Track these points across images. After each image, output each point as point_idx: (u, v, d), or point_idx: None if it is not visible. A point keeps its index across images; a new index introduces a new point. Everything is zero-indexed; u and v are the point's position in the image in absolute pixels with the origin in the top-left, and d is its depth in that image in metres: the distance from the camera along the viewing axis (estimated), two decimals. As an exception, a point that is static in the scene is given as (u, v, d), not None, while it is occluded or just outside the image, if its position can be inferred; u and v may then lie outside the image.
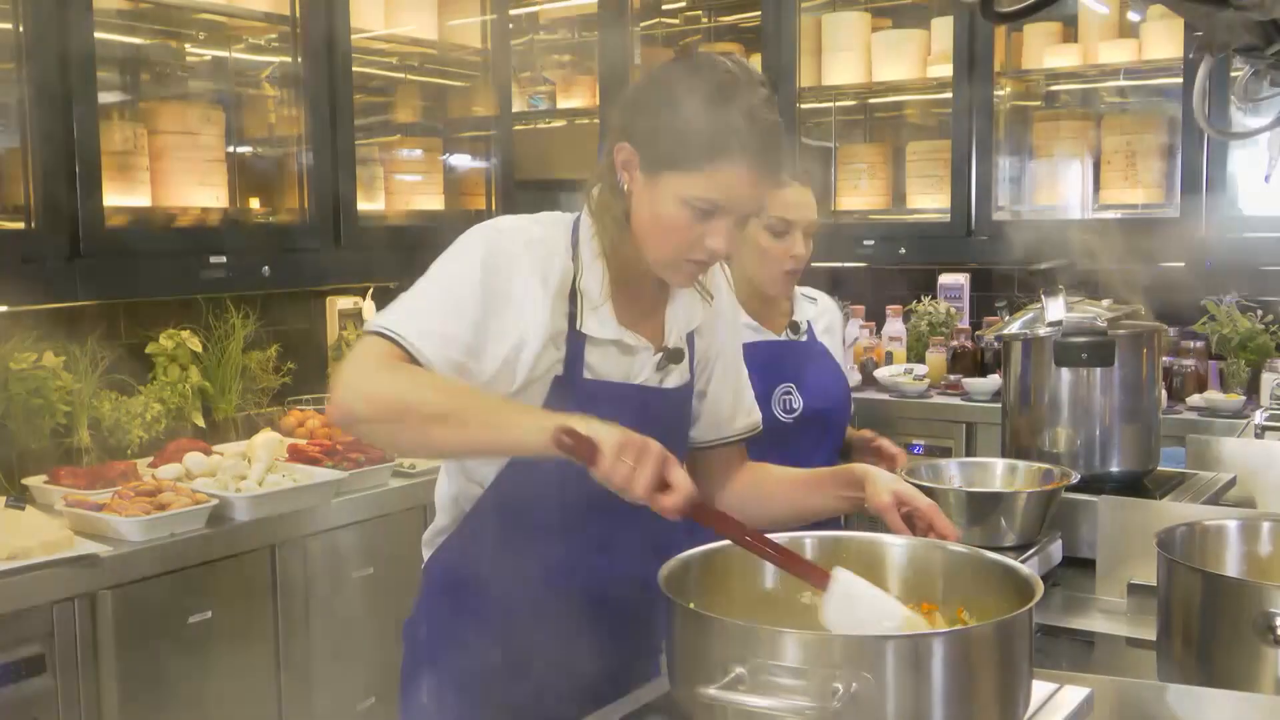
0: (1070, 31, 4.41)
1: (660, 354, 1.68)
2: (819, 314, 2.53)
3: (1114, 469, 2.35)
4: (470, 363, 1.52)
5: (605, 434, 1.35)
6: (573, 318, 1.60)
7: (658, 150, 1.55)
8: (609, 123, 1.66)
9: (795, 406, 2.38)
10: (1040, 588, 1.27)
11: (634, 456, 1.34)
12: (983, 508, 2.04)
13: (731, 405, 1.83)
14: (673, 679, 1.30)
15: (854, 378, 4.21)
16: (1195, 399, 3.87)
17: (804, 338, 2.45)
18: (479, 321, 1.53)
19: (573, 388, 1.59)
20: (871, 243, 4.54)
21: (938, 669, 1.16)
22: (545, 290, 1.57)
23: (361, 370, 1.48)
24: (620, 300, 1.65)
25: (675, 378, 1.71)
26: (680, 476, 1.37)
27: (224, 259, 2.96)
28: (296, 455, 2.93)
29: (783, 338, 2.41)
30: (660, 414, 1.67)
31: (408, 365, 1.47)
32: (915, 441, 4.06)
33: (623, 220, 1.62)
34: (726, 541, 1.42)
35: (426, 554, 1.74)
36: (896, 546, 1.49)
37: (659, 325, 1.70)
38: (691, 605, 1.26)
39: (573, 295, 1.61)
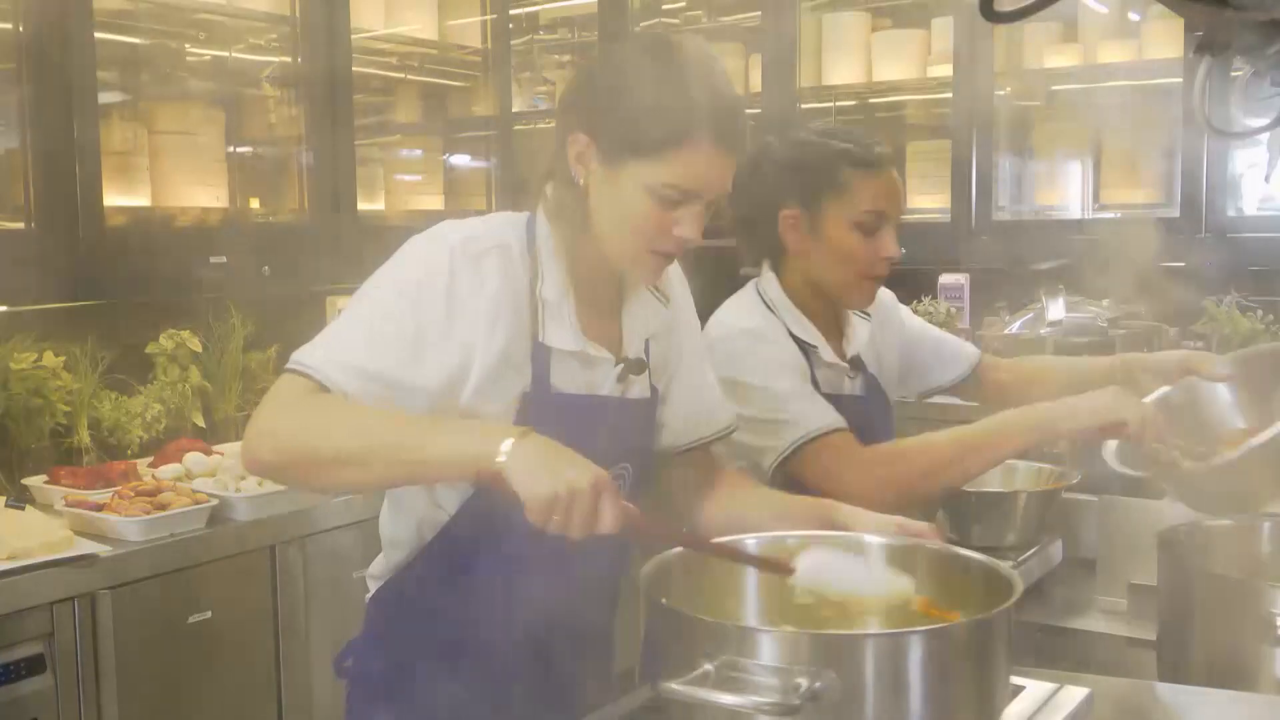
0: (1070, 31, 4.41)
1: (621, 365, 1.59)
2: (867, 329, 2.22)
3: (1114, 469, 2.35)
4: (398, 395, 1.42)
5: (530, 488, 1.26)
6: (535, 329, 1.51)
7: (616, 138, 1.47)
8: (561, 114, 1.56)
9: None
10: (1019, 586, 1.26)
11: (563, 514, 1.26)
12: (983, 508, 2.05)
13: (696, 410, 1.75)
14: (649, 677, 1.29)
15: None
16: (1195, 399, 3.87)
17: (857, 381, 2.14)
18: (411, 352, 1.43)
19: (542, 403, 1.51)
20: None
21: (902, 668, 1.15)
22: (496, 306, 1.47)
23: (270, 413, 1.40)
24: (578, 308, 1.55)
25: (637, 388, 1.63)
26: (610, 512, 1.29)
27: (224, 259, 2.95)
28: (296, 455, 2.93)
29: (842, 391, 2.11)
30: (624, 426, 1.60)
31: (320, 402, 1.39)
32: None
33: (580, 218, 1.52)
34: (712, 541, 1.42)
35: (374, 585, 1.64)
36: (877, 546, 1.47)
37: (616, 333, 1.62)
38: (664, 601, 1.25)
39: (532, 304, 1.51)
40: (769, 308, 2.03)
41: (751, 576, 1.44)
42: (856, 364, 2.10)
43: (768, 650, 1.14)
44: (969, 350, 2.33)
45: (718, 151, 1.46)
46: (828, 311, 2.07)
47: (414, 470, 1.38)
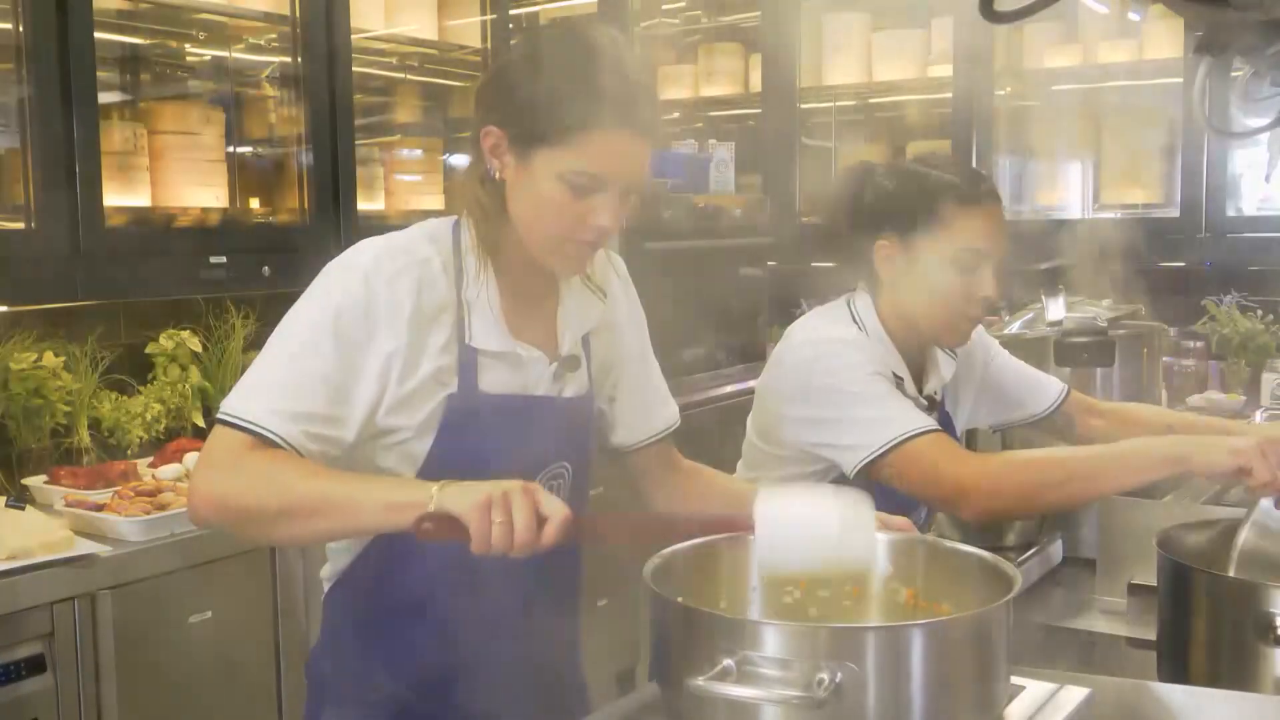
0: (1070, 31, 4.41)
1: (555, 363, 1.58)
2: (952, 368, 2.17)
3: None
4: (332, 431, 1.43)
5: (464, 502, 1.27)
6: (461, 331, 1.50)
7: (525, 126, 1.45)
8: (475, 108, 1.54)
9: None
10: (1018, 580, 1.28)
11: (502, 512, 1.27)
12: (983, 508, 2.04)
13: (645, 405, 1.74)
14: (660, 676, 1.30)
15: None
16: (1195, 399, 3.87)
17: (933, 416, 2.06)
18: (337, 385, 1.43)
19: (467, 404, 1.50)
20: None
21: (920, 658, 1.16)
22: (416, 318, 1.46)
23: (205, 471, 1.42)
24: (509, 308, 1.54)
25: (574, 386, 1.61)
26: (552, 504, 1.30)
27: (224, 259, 2.95)
28: (296, 455, 2.93)
29: None
30: (560, 425, 1.59)
31: (253, 457, 1.39)
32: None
33: (500, 212, 1.51)
34: (711, 537, 1.42)
35: (326, 586, 1.64)
36: (878, 541, 1.47)
37: (551, 332, 1.60)
38: (680, 600, 1.26)
39: (459, 306, 1.50)
40: (859, 325, 2.01)
41: (754, 570, 1.44)
42: (931, 403, 2.07)
43: (786, 644, 1.15)
44: (1054, 385, 2.25)
45: (628, 136, 1.45)
46: (915, 345, 2.03)
47: (350, 524, 1.40)
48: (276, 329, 1.49)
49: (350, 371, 1.44)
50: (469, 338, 1.50)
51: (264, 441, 1.40)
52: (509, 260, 1.54)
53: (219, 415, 1.43)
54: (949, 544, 1.46)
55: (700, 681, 1.14)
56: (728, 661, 1.15)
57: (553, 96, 1.43)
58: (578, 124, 1.42)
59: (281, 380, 1.43)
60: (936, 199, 1.92)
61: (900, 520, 1.54)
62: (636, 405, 1.73)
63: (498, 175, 1.50)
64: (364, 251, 1.50)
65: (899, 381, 1.98)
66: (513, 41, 4.05)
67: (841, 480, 1.91)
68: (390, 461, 1.51)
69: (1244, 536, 1.68)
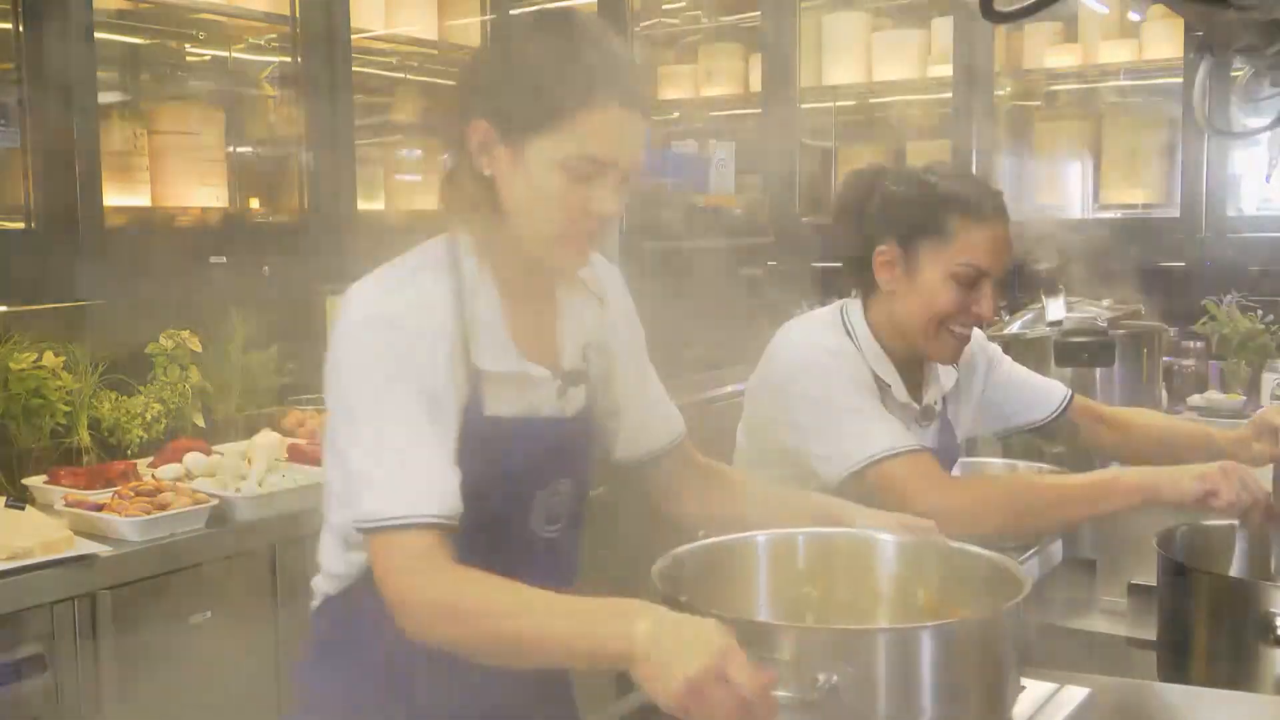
0: (1070, 31, 4.41)
1: (560, 380, 1.51)
2: (953, 378, 2.15)
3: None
4: (450, 473, 1.37)
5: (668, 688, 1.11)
6: (466, 353, 1.42)
7: (515, 115, 1.38)
8: (457, 106, 1.46)
9: None
10: (1028, 584, 1.27)
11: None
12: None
13: (648, 416, 1.67)
14: None
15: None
16: (1195, 399, 3.87)
17: (929, 429, 2.08)
18: (441, 429, 1.37)
19: (475, 431, 1.42)
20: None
21: (917, 662, 1.17)
22: (431, 354, 1.39)
23: (406, 578, 1.31)
24: (512, 323, 1.47)
25: (576, 402, 1.54)
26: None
27: (224, 259, 2.95)
28: (296, 455, 2.93)
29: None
30: (567, 447, 1.52)
31: (439, 586, 1.29)
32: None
33: (492, 214, 1.44)
34: (720, 538, 1.43)
35: (319, 599, 1.58)
36: (888, 544, 1.49)
37: (551, 345, 1.53)
38: (683, 599, 1.26)
39: (463, 328, 1.42)
40: (849, 334, 2.00)
41: (762, 571, 1.45)
42: (929, 412, 2.06)
43: (783, 645, 1.16)
44: (1058, 391, 2.23)
45: (624, 114, 1.38)
46: (909, 353, 2.01)
47: (547, 656, 1.28)
48: (340, 411, 1.41)
49: (442, 417, 1.38)
50: (476, 358, 1.43)
51: (439, 530, 1.32)
52: (507, 267, 1.48)
53: (384, 523, 1.33)
54: (959, 546, 1.45)
55: None
56: None
57: (542, 80, 1.36)
58: (572, 105, 1.36)
59: (392, 458, 1.35)
60: (941, 210, 1.90)
61: (924, 523, 1.53)
62: (637, 420, 1.67)
63: (488, 173, 1.43)
64: (372, 302, 1.43)
65: (886, 388, 1.97)
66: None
67: (822, 489, 1.89)
68: None
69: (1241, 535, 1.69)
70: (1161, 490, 1.73)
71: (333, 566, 1.54)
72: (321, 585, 1.58)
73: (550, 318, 1.54)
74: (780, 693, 1.12)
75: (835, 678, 1.12)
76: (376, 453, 1.36)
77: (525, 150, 1.38)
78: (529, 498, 1.50)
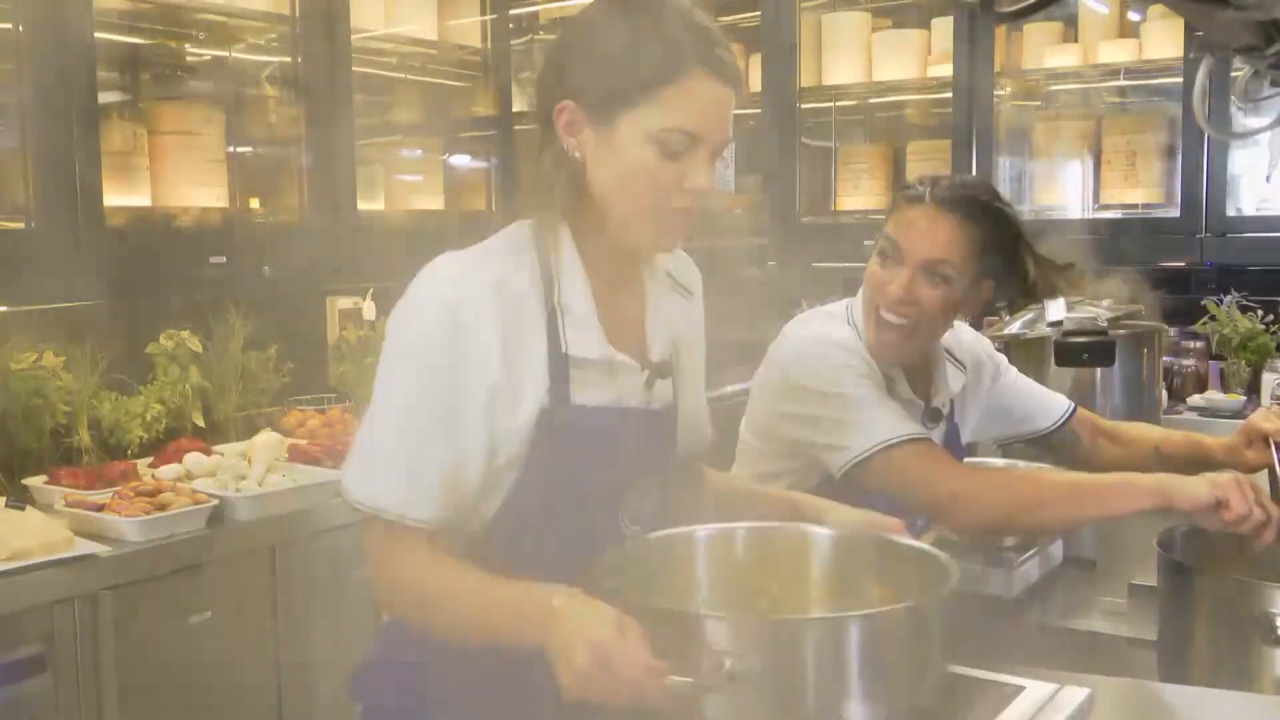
0: (1070, 31, 4.41)
1: (648, 371, 1.49)
2: (961, 381, 2.15)
3: (1114, 469, 2.35)
4: (465, 485, 1.40)
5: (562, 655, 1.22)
6: (554, 339, 1.41)
7: (604, 92, 1.36)
8: (541, 90, 1.44)
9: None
10: (955, 575, 1.31)
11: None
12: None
13: (693, 422, 1.65)
14: None
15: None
16: (1195, 399, 3.87)
17: (935, 430, 2.06)
18: (453, 442, 1.38)
19: (561, 420, 1.41)
20: (872, 243, 4.53)
21: (814, 652, 1.21)
22: (512, 351, 1.38)
23: (380, 582, 1.43)
24: (601, 310, 1.45)
25: (661, 396, 1.53)
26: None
27: (224, 259, 2.95)
28: (296, 455, 2.93)
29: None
30: (648, 439, 1.50)
31: (403, 559, 1.39)
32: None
33: (581, 197, 1.42)
34: (662, 532, 1.47)
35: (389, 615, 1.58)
36: (823, 536, 1.51)
37: (639, 336, 1.51)
38: (610, 587, 1.29)
39: (551, 314, 1.41)
40: (854, 329, 2.01)
41: (703, 565, 1.48)
42: (937, 414, 2.06)
43: (695, 633, 1.20)
44: (1060, 402, 2.25)
45: (716, 85, 1.36)
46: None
47: (486, 636, 1.36)
48: (378, 378, 1.43)
49: (459, 433, 1.38)
50: (565, 346, 1.41)
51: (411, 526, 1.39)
52: (596, 254, 1.45)
53: (364, 506, 1.41)
54: (892, 538, 1.48)
55: None
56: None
57: (629, 54, 1.34)
58: (663, 77, 1.34)
59: (399, 458, 1.40)
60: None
61: (891, 521, 1.54)
62: (688, 423, 1.64)
63: (577, 154, 1.40)
64: (443, 283, 1.41)
65: (890, 383, 1.98)
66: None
67: (828, 480, 1.91)
68: (487, 484, 1.45)
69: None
70: (1174, 496, 1.72)
71: None
72: None
73: (639, 308, 1.53)
74: (679, 678, 1.17)
75: (741, 666, 1.16)
76: (377, 437, 1.42)
77: (615, 126, 1.36)
78: (618, 493, 1.48)
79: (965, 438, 2.19)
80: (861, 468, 1.86)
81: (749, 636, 1.20)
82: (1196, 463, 2.12)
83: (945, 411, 2.09)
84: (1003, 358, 2.27)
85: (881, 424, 1.87)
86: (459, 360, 1.37)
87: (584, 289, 1.44)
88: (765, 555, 1.50)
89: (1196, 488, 1.70)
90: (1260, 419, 2.02)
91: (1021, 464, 2.32)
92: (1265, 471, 1.90)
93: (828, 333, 1.98)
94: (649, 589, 1.37)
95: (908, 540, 1.46)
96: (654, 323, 1.53)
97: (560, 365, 1.41)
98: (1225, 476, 1.70)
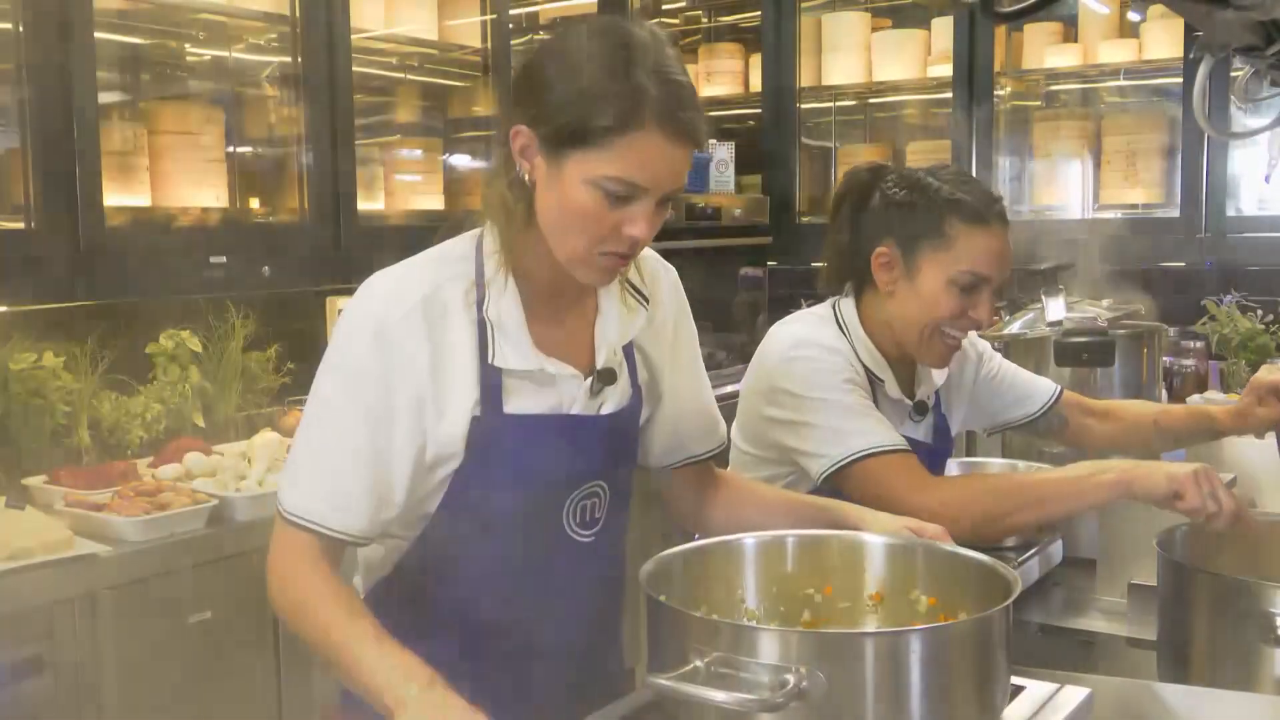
0: (1070, 31, 4.41)
1: (590, 379, 1.48)
2: (944, 373, 2.16)
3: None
4: (384, 510, 1.43)
5: None
6: (483, 351, 1.41)
7: (558, 127, 1.33)
8: (504, 107, 1.46)
9: None
10: (1017, 586, 1.27)
11: None
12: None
13: (690, 424, 1.65)
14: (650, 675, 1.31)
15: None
16: (1195, 399, 3.87)
17: (921, 424, 2.09)
18: (375, 465, 1.40)
19: (493, 427, 1.42)
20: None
21: (888, 667, 1.16)
22: (440, 363, 1.40)
23: (275, 576, 1.47)
24: (537, 322, 1.45)
25: (614, 401, 1.52)
26: None
27: (224, 259, 2.95)
28: (296, 455, 2.93)
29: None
30: (597, 444, 1.50)
31: (307, 572, 1.43)
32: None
33: (526, 219, 1.41)
34: (708, 540, 1.45)
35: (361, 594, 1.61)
36: (876, 545, 1.48)
37: (586, 345, 1.51)
38: (662, 599, 1.26)
39: (480, 325, 1.42)
40: (842, 330, 2.00)
41: (750, 574, 1.45)
42: (922, 408, 2.07)
43: (756, 647, 1.15)
44: (1046, 387, 2.26)
45: (668, 142, 1.33)
46: (901, 351, 2.01)
47: (349, 679, 1.40)
48: (312, 390, 1.45)
49: (384, 443, 1.40)
50: (492, 357, 1.42)
51: (323, 538, 1.43)
52: (538, 269, 1.45)
53: (287, 513, 1.43)
54: (947, 548, 1.45)
55: (661, 680, 1.15)
56: (698, 662, 1.16)
57: (588, 95, 1.31)
58: (616, 126, 1.31)
59: (327, 465, 1.42)
60: (945, 216, 1.89)
61: (934, 528, 1.53)
62: (678, 425, 1.64)
63: (527, 178, 1.39)
64: (373, 298, 1.44)
65: (879, 384, 1.98)
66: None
67: (819, 487, 1.90)
68: (421, 488, 1.46)
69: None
70: (1135, 486, 1.74)
71: (362, 552, 1.59)
72: (358, 582, 1.63)
73: (587, 318, 1.52)
74: (744, 695, 1.12)
75: (805, 682, 1.11)
76: (306, 447, 1.45)
77: (563, 163, 1.35)
78: (560, 498, 1.49)
79: (955, 428, 2.19)
80: (838, 476, 1.85)
81: (816, 651, 1.14)
82: (1199, 433, 2.13)
83: (930, 404, 2.09)
84: (985, 345, 2.27)
85: (859, 434, 1.86)
86: (387, 372, 1.39)
87: (513, 301, 1.44)
88: (815, 564, 1.46)
89: (1154, 479, 1.71)
90: (1265, 373, 2.03)
91: (1022, 464, 2.32)
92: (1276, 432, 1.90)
93: (814, 336, 1.97)
94: (692, 598, 1.35)
95: (955, 547, 1.44)
96: (601, 330, 1.52)
97: (490, 375, 1.42)
98: (1184, 468, 1.71)
